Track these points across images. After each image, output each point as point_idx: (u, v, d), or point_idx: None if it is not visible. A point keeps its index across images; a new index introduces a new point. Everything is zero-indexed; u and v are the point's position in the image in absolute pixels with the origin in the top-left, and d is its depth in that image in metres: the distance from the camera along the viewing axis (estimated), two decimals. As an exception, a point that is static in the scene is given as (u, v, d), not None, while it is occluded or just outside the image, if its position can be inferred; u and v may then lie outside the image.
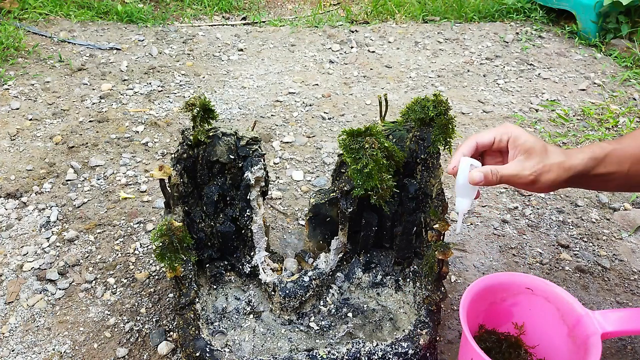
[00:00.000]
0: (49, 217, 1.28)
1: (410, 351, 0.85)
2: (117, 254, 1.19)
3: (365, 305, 1.00)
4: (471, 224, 1.32)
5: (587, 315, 0.81)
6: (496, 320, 0.91)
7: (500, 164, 0.83)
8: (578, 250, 1.25)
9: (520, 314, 0.91)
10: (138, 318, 1.04)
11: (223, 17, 2.74)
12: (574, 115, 1.83)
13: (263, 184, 0.97)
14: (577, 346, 0.81)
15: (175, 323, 1.02)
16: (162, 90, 1.89)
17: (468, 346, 0.76)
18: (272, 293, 0.96)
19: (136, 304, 1.07)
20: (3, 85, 1.84)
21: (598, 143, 0.83)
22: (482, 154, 0.85)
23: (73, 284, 1.11)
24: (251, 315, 0.98)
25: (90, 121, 1.68)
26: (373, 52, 2.28)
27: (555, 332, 0.86)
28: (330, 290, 1.01)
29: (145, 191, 1.40)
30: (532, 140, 0.77)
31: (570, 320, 0.83)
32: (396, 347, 0.85)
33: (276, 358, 0.85)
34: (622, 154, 0.81)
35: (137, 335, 1.00)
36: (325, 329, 0.96)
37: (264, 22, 2.63)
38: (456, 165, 0.79)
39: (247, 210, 0.96)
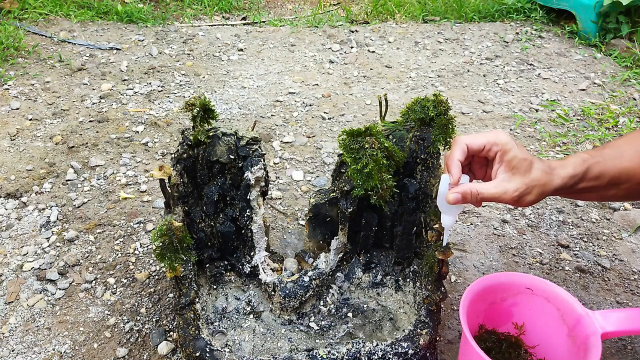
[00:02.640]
0: (49, 217, 1.28)
1: (410, 351, 0.85)
2: (117, 254, 1.19)
3: (365, 305, 1.00)
4: (471, 224, 1.32)
5: (587, 315, 0.81)
6: (496, 320, 0.91)
7: (484, 171, 0.82)
8: (578, 250, 1.25)
9: (520, 314, 0.91)
10: (138, 318, 1.04)
11: (223, 17, 2.74)
12: (574, 115, 1.83)
13: (263, 184, 0.97)
14: (577, 346, 0.81)
15: (175, 323, 1.02)
16: (162, 90, 1.89)
17: (468, 346, 0.76)
18: (272, 293, 0.96)
19: (136, 304, 1.07)
20: (3, 85, 1.84)
21: (581, 155, 0.83)
22: (471, 160, 0.84)
23: (73, 284, 1.11)
24: (251, 315, 0.98)
25: (90, 121, 1.68)
26: (373, 52, 2.28)
27: (555, 332, 0.86)
28: (330, 290, 1.01)
29: (145, 191, 1.40)
30: (519, 158, 0.76)
31: (570, 320, 0.83)
32: (396, 347, 0.85)
33: (276, 358, 0.85)
34: (602, 168, 0.81)
35: (137, 335, 1.00)
36: (325, 329, 0.96)
37: (264, 22, 2.63)
38: (460, 176, 0.77)
39: (247, 210, 0.96)
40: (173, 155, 0.93)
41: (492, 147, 0.77)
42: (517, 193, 0.75)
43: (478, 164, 0.82)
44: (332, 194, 0.98)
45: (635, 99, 1.92)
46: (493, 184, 0.76)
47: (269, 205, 1.35)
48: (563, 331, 0.84)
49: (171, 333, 1.00)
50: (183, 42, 2.28)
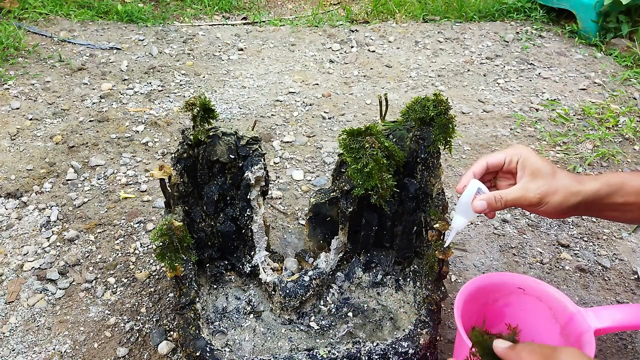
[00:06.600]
0: (49, 216, 1.28)
1: (411, 350, 0.85)
2: (117, 254, 1.19)
3: (365, 305, 1.00)
4: (471, 223, 1.32)
5: (579, 313, 0.81)
6: (489, 321, 0.91)
7: (511, 186, 0.81)
8: (578, 250, 1.25)
9: (513, 314, 0.90)
10: (138, 318, 1.04)
11: (223, 16, 2.74)
12: (574, 115, 1.83)
13: (263, 183, 0.97)
14: (570, 344, 0.81)
15: (175, 323, 1.02)
16: (162, 90, 1.89)
17: (463, 346, 0.76)
18: (273, 293, 0.96)
19: (136, 303, 1.07)
20: (3, 85, 1.84)
21: (614, 172, 0.82)
22: (494, 176, 0.84)
23: (73, 283, 1.11)
24: (251, 315, 0.98)
25: (90, 121, 1.68)
26: (373, 51, 2.28)
27: (548, 331, 0.86)
28: (330, 289, 1.01)
29: (145, 191, 1.40)
30: (541, 163, 0.76)
31: (563, 318, 0.83)
32: (396, 346, 0.85)
33: (276, 358, 0.85)
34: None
35: (137, 334, 1.00)
36: (325, 329, 0.96)
37: (264, 21, 2.63)
38: (465, 185, 0.78)
39: (247, 210, 0.96)
40: (173, 155, 0.93)
41: (513, 158, 0.78)
42: (539, 192, 0.74)
43: (504, 180, 0.83)
44: (332, 194, 0.98)
45: (635, 99, 1.92)
46: (516, 187, 0.77)
47: (269, 205, 1.35)
48: (556, 330, 0.85)
49: (171, 333, 1.00)
50: (183, 42, 2.28)
